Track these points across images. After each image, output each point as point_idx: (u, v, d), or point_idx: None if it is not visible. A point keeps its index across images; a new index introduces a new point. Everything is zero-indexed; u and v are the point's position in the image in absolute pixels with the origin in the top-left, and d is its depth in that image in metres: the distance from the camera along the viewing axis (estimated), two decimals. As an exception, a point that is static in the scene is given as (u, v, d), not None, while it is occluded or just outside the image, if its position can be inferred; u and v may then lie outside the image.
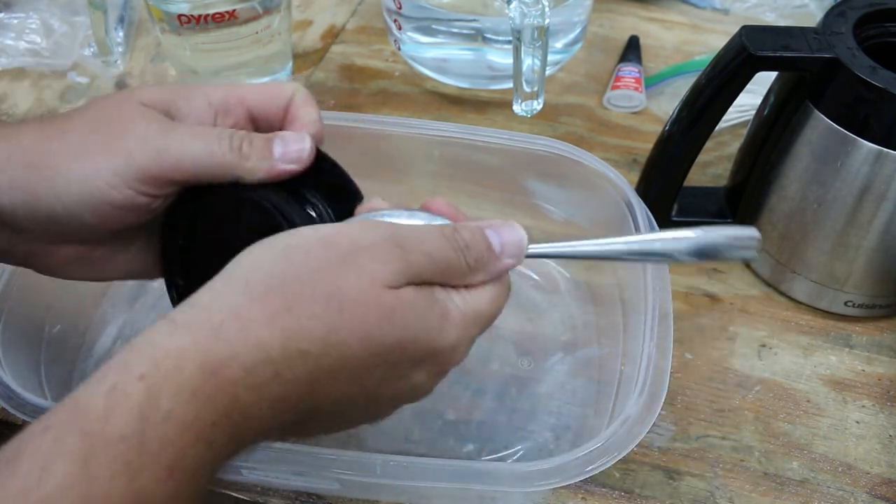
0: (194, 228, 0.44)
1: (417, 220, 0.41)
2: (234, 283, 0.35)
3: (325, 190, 0.44)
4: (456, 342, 0.39)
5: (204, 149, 0.40)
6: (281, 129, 0.44)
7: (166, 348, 0.33)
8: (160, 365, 0.32)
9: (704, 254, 0.42)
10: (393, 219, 0.41)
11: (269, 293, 0.35)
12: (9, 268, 0.52)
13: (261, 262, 0.36)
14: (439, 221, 0.41)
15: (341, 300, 0.35)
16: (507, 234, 0.41)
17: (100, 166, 0.40)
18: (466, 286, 0.40)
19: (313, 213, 0.43)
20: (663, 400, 0.47)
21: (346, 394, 0.37)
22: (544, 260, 0.62)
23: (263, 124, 0.45)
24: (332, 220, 0.43)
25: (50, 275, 0.46)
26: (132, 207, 0.41)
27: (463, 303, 0.40)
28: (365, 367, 0.37)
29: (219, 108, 0.44)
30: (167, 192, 0.42)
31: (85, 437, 0.30)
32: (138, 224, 0.43)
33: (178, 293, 0.45)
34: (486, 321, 0.41)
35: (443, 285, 0.40)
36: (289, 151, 0.42)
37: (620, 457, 0.45)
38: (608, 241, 0.43)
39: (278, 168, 0.42)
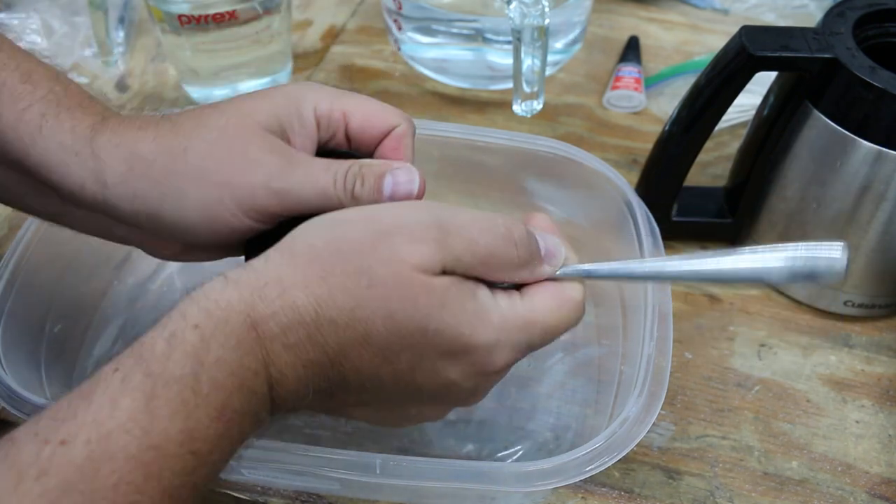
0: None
1: None
2: (283, 253, 0.39)
3: None
4: (493, 343, 0.39)
5: (321, 193, 0.42)
6: (374, 151, 0.46)
7: (217, 300, 0.36)
8: (212, 314, 0.36)
9: (799, 275, 0.40)
10: None
11: (310, 263, 0.38)
12: (9, 267, 0.52)
13: (309, 234, 0.39)
14: None
15: (370, 277, 0.37)
16: (551, 243, 0.43)
17: (224, 197, 0.42)
18: (519, 290, 0.41)
19: None
20: (663, 400, 0.47)
21: (374, 373, 0.39)
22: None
23: (358, 144, 0.46)
24: None
25: (157, 257, 0.50)
26: (246, 230, 0.43)
27: (509, 306, 0.40)
28: (389, 348, 0.38)
29: (323, 118, 0.45)
30: (279, 221, 0.44)
31: (148, 378, 0.34)
32: (246, 238, 0.45)
33: None
34: (539, 332, 0.41)
35: (491, 285, 0.40)
36: (399, 187, 0.43)
37: (620, 456, 0.45)
38: (691, 259, 0.42)
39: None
